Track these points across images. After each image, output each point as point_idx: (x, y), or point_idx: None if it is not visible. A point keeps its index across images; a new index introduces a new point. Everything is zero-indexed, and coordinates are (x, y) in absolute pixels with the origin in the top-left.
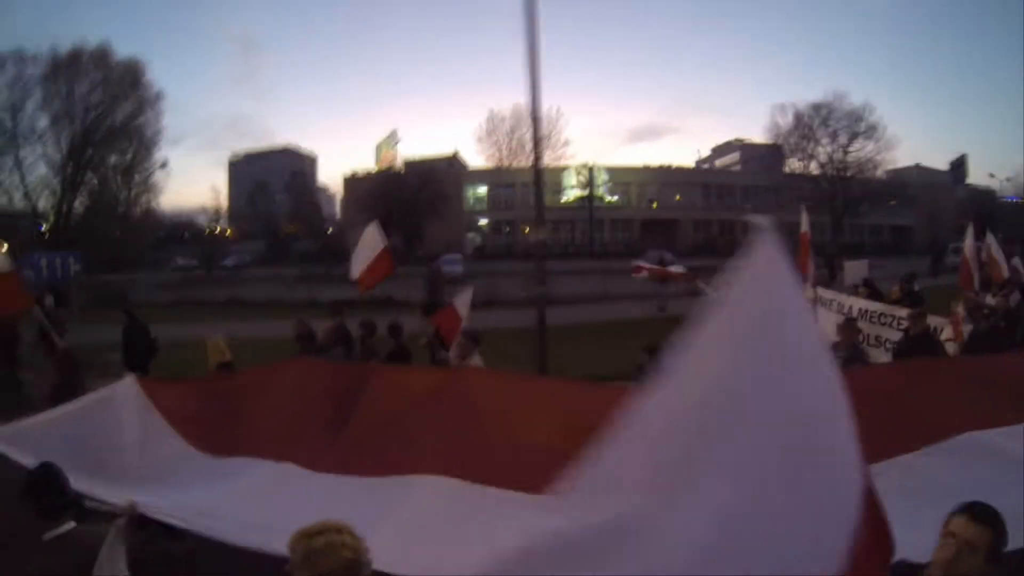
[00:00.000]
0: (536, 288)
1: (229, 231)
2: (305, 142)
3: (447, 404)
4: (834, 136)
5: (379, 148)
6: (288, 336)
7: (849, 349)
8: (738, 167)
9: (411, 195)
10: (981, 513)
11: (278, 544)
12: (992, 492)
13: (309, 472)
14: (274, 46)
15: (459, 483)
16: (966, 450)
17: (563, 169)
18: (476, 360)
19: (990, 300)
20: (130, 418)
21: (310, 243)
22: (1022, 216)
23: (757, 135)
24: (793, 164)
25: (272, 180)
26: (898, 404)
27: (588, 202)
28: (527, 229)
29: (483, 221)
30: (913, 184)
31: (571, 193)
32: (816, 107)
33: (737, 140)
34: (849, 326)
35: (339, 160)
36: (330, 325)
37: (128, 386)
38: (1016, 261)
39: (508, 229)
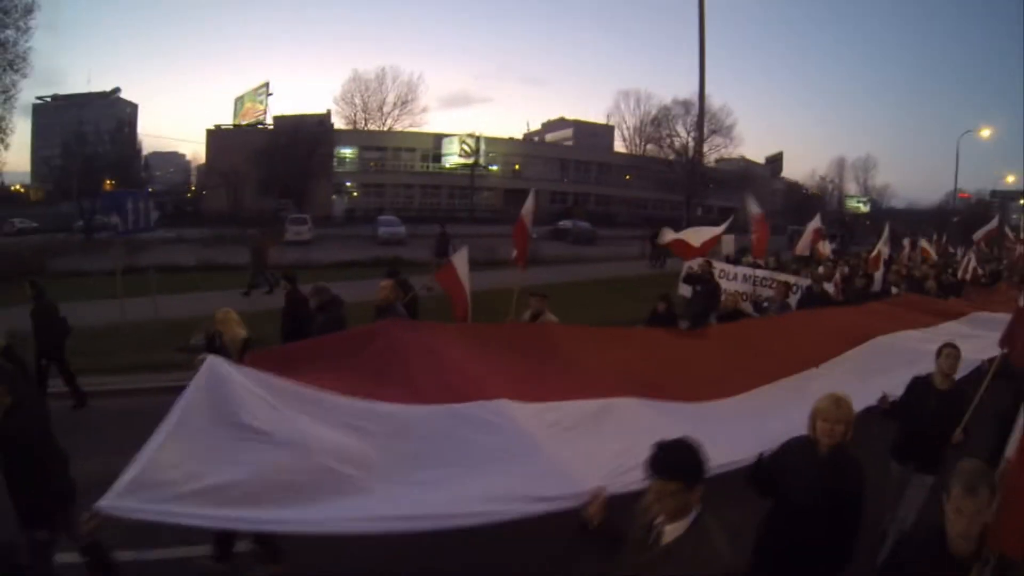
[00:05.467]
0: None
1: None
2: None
3: (598, 351)
4: (695, 130)
5: (241, 100)
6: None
7: (782, 302)
8: (570, 143)
9: (303, 154)
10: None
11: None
12: (900, 364)
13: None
14: None
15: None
16: (879, 345)
17: (442, 136)
18: (550, 317)
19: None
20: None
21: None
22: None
23: (581, 114)
24: (648, 149)
25: (88, 130)
26: (837, 325)
27: (471, 170)
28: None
29: (349, 183)
30: (740, 173)
31: (451, 160)
32: (684, 104)
33: (564, 118)
34: (783, 288)
35: (159, 113)
36: (389, 283)
37: (217, 367)
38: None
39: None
